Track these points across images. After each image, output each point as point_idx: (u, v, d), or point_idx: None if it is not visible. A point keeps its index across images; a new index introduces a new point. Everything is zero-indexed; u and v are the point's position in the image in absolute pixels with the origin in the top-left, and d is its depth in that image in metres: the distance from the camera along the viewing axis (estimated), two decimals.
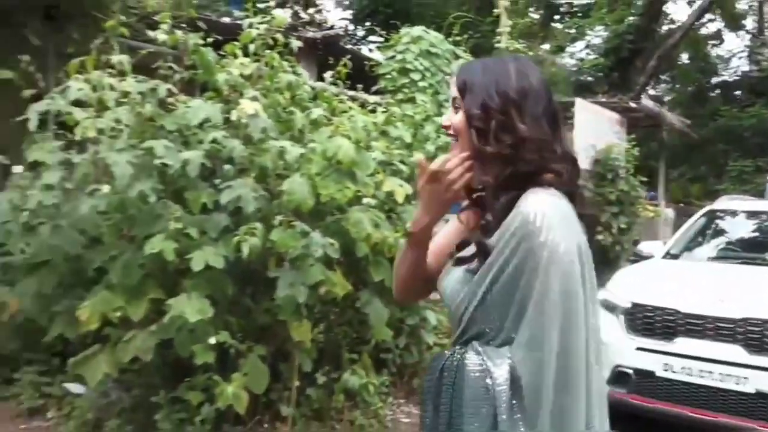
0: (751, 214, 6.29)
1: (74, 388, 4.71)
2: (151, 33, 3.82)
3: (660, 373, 4.57)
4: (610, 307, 5.02)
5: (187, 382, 4.00)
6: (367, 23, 16.70)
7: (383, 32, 7.73)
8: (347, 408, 4.72)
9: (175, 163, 3.51)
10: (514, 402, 1.38)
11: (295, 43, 4.15)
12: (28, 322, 4.64)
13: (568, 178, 1.49)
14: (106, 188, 3.57)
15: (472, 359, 1.43)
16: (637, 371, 4.70)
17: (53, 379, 4.92)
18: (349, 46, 12.52)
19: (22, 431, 4.57)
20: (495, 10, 6.96)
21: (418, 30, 5.49)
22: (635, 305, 4.87)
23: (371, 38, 18.13)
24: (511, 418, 1.37)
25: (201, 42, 3.97)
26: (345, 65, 4.41)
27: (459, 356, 1.45)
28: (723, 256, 5.78)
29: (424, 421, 1.52)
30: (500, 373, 1.39)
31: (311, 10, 21.54)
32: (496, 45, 6.66)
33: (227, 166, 3.88)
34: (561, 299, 1.38)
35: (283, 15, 4.09)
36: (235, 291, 3.97)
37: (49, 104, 3.59)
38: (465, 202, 1.68)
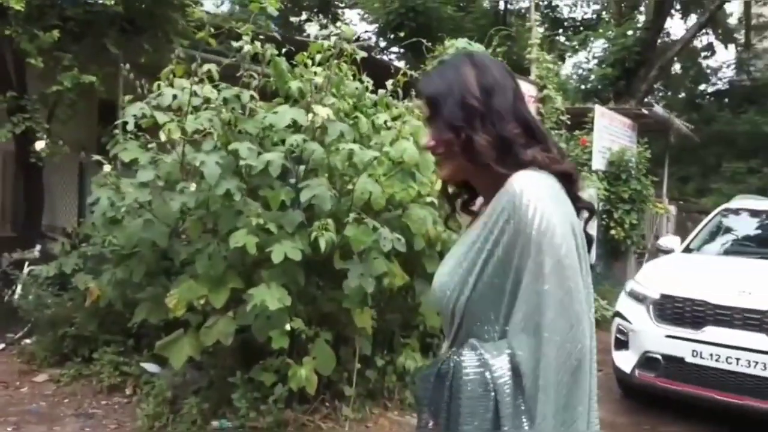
0: (764, 213, 6.16)
1: (150, 367, 4.69)
2: (235, 44, 3.75)
3: (689, 359, 4.49)
4: (640, 298, 4.94)
5: (261, 365, 3.96)
6: (391, 36, 16.61)
7: (411, 42, 7.56)
8: (398, 388, 4.67)
9: (258, 164, 3.45)
10: (518, 394, 1.16)
11: (360, 54, 4.08)
12: (106, 306, 4.63)
13: (553, 158, 1.29)
14: (193, 187, 3.53)
15: (469, 356, 1.20)
16: (666, 357, 4.62)
17: (130, 359, 4.90)
18: (379, 57, 12.46)
19: (104, 406, 4.55)
20: (528, 23, 6.85)
21: (462, 42, 5.40)
22: (664, 296, 4.78)
23: (392, 49, 18.08)
24: (515, 412, 1.15)
25: (276, 53, 3.91)
26: (405, 75, 4.34)
27: (456, 357, 1.21)
28: (740, 251, 5.66)
29: None
30: (500, 364, 1.17)
31: (339, 24, 21.51)
32: (528, 56, 6.57)
33: (301, 167, 3.83)
34: (556, 275, 1.15)
35: (351, 29, 3.98)
36: (304, 281, 3.93)
37: (142, 108, 3.54)
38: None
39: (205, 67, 3.64)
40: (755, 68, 20.30)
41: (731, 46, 22.76)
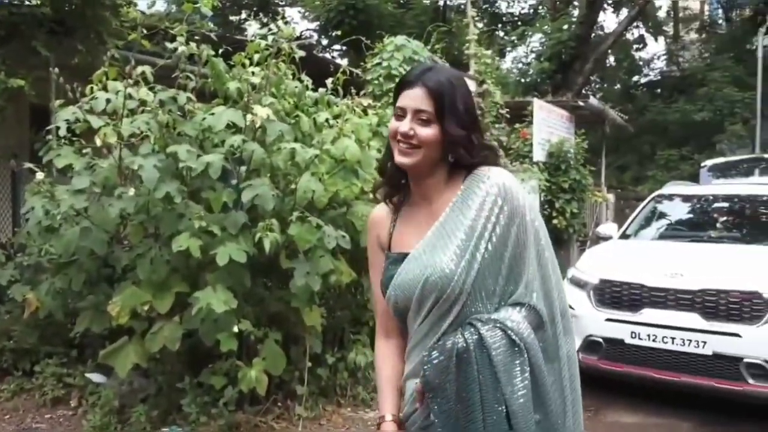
0: (694, 198, 6.45)
1: (95, 377, 4.57)
2: (170, 45, 3.67)
3: (628, 340, 4.67)
4: (581, 284, 5.09)
5: (210, 368, 3.92)
6: (332, 34, 16.55)
7: (353, 40, 7.54)
8: (350, 384, 4.69)
9: (198, 166, 3.41)
10: (541, 345, 1.42)
11: (299, 53, 4.07)
12: (46, 317, 4.48)
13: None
14: (131, 191, 3.45)
15: (486, 328, 1.38)
16: (607, 340, 4.79)
17: (73, 370, 4.76)
18: (321, 55, 12.40)
19: (48, 420, 4.41)
20: (465, 20, 6.95)
21: (401, 39, 5.47)
22: (603, 281, 4.95)
23: (335, 47, 18.04)
24: (542, 361, 1.41)
25: (213, 53, 3.86)
26: (344, 72, 4.34)
27: (469, 335, 1.38)
28: (673, 235, 5.91)
29: (440, 417, 1.38)
30: (522, 327, 1.40)
31: (280, 22, 21.25)
32: (466, 51, 6.67)
33: (242, 168, 3.79)
34: (548, 246, 1.50)
35: (290, 28, 3.95)
36: (250, 282, 3.90)
37: (75, 113, 3.44)
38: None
39: (140, 69, 3.56)
40: (683, 59, 21.21)
41: (661, 39, 23.69)
